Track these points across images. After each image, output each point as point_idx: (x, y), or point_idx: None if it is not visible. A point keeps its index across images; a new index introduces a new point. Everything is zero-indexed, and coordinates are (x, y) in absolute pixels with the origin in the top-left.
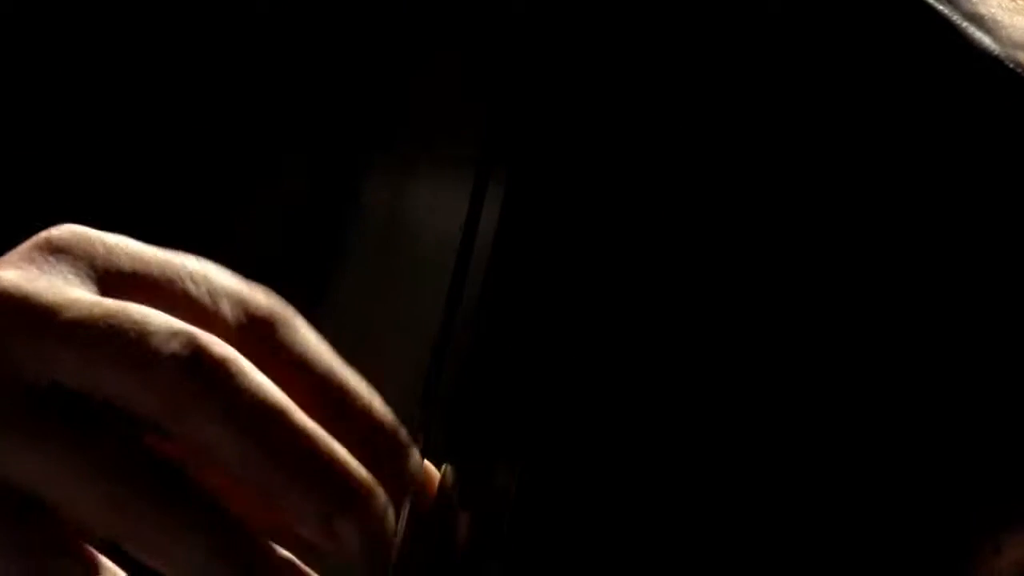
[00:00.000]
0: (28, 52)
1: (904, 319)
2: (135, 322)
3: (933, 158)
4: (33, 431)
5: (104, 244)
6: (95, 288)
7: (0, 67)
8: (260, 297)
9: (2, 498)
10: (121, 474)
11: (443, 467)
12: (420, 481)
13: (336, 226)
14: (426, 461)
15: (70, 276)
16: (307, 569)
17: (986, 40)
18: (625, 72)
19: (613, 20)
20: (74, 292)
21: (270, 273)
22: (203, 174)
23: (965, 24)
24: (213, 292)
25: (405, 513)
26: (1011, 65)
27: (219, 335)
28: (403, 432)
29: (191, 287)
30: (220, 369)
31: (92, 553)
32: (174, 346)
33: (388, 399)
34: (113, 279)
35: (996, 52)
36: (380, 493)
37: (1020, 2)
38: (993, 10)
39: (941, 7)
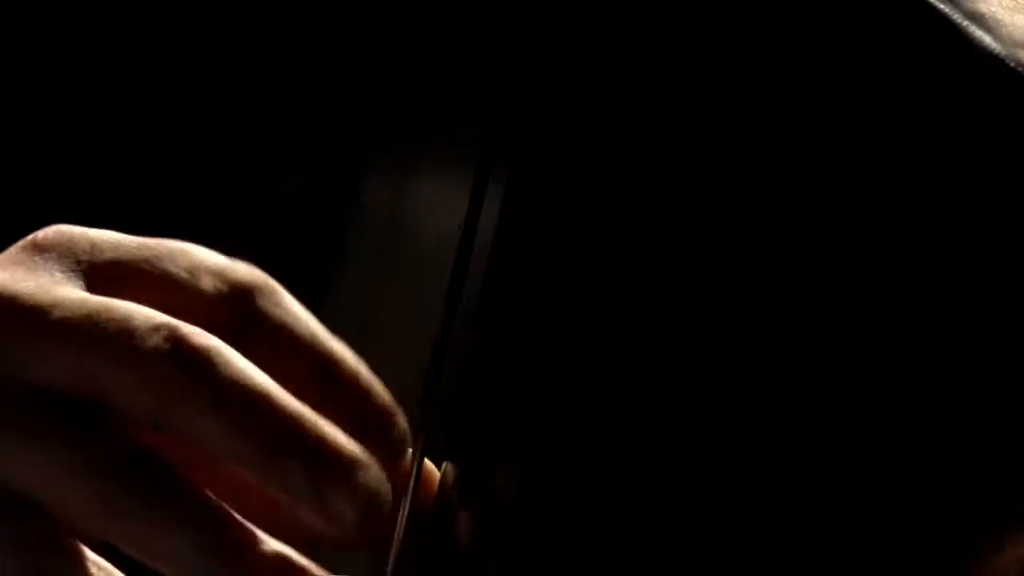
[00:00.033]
0: (28, 52)
1: (905, 318)
2: (118, 319)
3: (934, 157)
4: (28, 431)
5: (87, 239)
6: (82, 283)
7: (0, 67)
8: (241, 268)
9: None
10: (112, 473)
11: (443, 466)
12: (409, 445)
13: (336, 226)
14: (426, 460)
15: (57, 274)
16: (307, 563)
17: (987, 39)
18: (625, 70)
19: (613, 19)
20: (61, 291)
21: (270, 273)
22: (203, 174)
23: (966, 23)
24: (191, 268)
25: (404, 512)
26: (1012, 64)
27: (200, 309)
28: (390, 397)
29: (170, 267)
30: (203, 359)
31: (87, 551)
32: (156, 340)
33: None
34: (99, 272)
35: (997, 51)
36: (370, 462)
37: (1020, 0)
38: (993, 8)
39: (942, 6)
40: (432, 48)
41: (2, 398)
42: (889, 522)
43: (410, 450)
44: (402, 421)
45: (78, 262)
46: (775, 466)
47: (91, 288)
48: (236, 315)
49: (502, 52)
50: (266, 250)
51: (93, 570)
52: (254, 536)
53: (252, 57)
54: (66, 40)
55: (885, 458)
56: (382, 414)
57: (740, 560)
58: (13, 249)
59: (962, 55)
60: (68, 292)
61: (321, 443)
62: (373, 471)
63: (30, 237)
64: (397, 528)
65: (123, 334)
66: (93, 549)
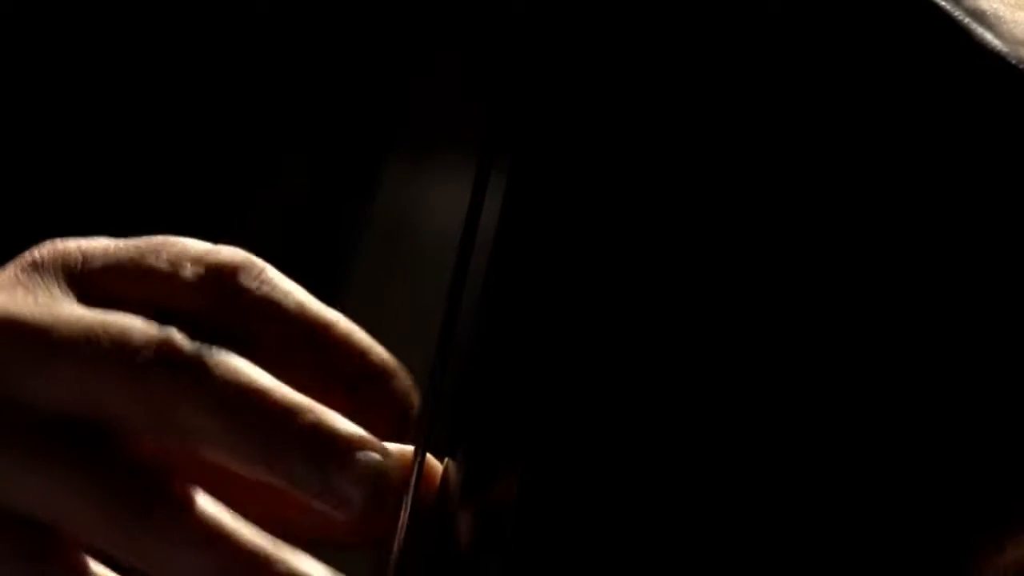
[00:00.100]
0: (28, 52)
1: (906, 318)
2: (114, 335)
3: (936, 156)
4: (31, 452)
5: (79, 251)
6: (79, 295)
7: (0, 67)
8: (223, 251)
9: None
10: (116, 494)
11: (445, 463)
12: (412, 403)
13: (336, 226)
14: (429, 456)
15: (55, 291)
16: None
17: (988, 36)
18: (625, 68)
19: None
20: (60, 309)
21: None
22: (204, 174)
23: (967, 20)
24: (173, 259)
25: (407, 510)
26: (1014, 61)
27: (183, 297)
28: (388, 355)
29: (153, 260)
30: (197, 363)
31: (92, 563)
32: (151, 353)
33: None
34: (92, 280)
35: (999, 48)
36: (373, 442)
37: None
38: (995, 5)
39: (943, 3)
40: (432, 48)
41: (5, 419)
42: (889, 522)
43: (415, 439)
44: (403, 376)
45: (73, 275)
46: (776, 466)
47: (88, 297)
48: (221, 297)
49: (502, 52)
50: (266, 250)
51: None
52: (266, 548)
53: (252, 57)
54: (66, 41)
55: (885, 458)
56: (381, 372)
57: (740, 559)
58: (11, 268)
59: (964, 52)
60: (66, 310)
61: (319, 429)
62: (376, 448)
63: (27, 256)
64: (399, 525)
65: (119, 350)
66: (96, 558)
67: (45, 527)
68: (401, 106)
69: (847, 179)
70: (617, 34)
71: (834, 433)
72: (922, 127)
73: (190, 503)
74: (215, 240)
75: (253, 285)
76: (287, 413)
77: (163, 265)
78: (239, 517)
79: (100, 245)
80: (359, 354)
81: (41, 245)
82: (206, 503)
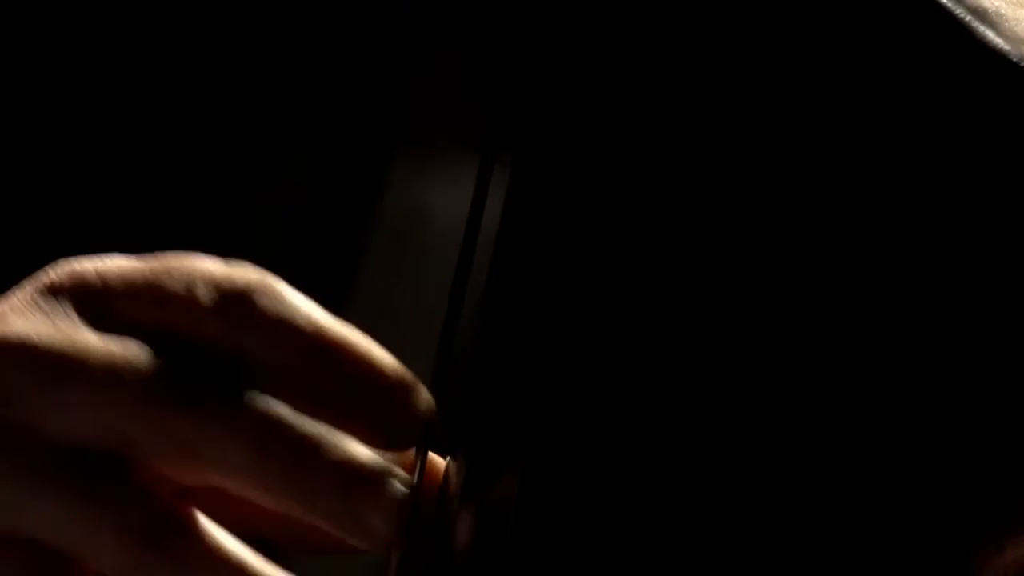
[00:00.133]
0: (28, 52)
1: (906, 318)
2: (135, 366)
3: (938, 154)
4: (49, 484)
5: (97, 273)
6: (95, 319)
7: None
8: (236, 273)
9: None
10: (134, 529)
11: (447, 462)
12: (434, 419)
13: (337, 226)
14: (431, 454)
15: (72, 315)
16: None
17: (990, 34)
18: (626, 67)
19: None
20: (80, 336)
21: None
22: (204, 174)
23: (969, 18)
24: (187, 281)
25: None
26: (1016, 59)
27: (197, 321)
28: (406, 371)
29: (167, 282)
30: (220, 397)
31: None
32: (171, 386)
33: None
34: (112, 303)
35: (1000, 46)
36: (398, 472)
37: None
38: (997, 3)
39: (945, 1)
40: (432, 48)
41: (23, 449)
42: (889, 522)
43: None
44: (423, 393)
45: (90, 299)
46: (777, 467)
47: (104, 321)
48: (237, 319)
49: (502, 52)
50: (266, 250)
51: None
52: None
53: (253, 57)
54: (66, 41)
55: (885, 458)
56: (400, 389)
57: (741, 559)
58: (28, 290)
59: (966, 50)
60: (84, 335)
61: (347, 464)
62: (401, 479)
63: (43, 278)
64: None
65: (139, 379)
66: None
67: (55, 552)
68: (401, 106)
69: (849, 178)
70: (617, 33)
71: (834, 434)
72: (924, 125)
73: (202, 531)
74: (216, 241)
75: (269, 307)
76: (315, 448)
77: (179, 288)
78: (249, 547)
79: (116, 267)
80: (378, 371)
81: (58, 266)
82: (217, 531)
